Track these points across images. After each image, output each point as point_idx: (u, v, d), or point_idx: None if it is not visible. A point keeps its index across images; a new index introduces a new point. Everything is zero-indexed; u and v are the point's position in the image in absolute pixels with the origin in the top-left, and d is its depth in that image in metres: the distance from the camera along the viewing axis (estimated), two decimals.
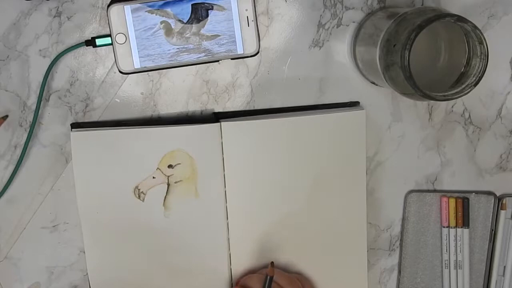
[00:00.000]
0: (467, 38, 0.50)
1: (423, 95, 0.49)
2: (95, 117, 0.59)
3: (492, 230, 0.64)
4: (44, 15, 0.57)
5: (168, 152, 0.58)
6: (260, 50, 0.57)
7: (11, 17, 0.56)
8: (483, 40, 0.49)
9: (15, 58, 0.57)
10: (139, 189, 0.59)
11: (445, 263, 0.64)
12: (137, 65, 0.56)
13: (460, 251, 0.64)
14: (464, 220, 0.63)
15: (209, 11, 0.56)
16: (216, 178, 0.59)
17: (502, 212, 0.64)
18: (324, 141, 0.60)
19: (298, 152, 0.60)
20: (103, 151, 0.58)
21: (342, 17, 0.59)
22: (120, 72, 0.57)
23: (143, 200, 0.59)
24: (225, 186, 0.59)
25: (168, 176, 0.59)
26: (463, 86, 0.50)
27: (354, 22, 0.59)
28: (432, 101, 0.60)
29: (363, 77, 0.60)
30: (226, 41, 0.56)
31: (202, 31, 0.56)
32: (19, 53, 0.57)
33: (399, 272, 0.66)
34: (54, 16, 0.57)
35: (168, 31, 0.56)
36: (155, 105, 0.59)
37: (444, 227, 0.64)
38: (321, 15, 0.59)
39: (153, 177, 0.59)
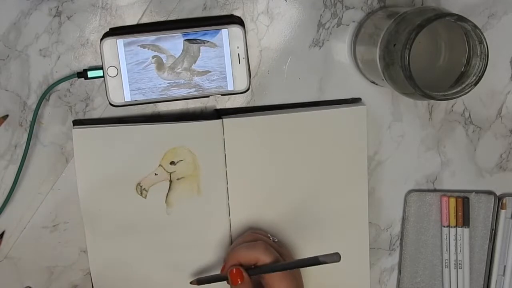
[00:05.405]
0: (467, 37, 0.50)
1: (423, 94, 0.49)
2: (95, 116, 0.59)
3: (492, 229, 0.64)
4: (44, 15, 0.57)
5: (170, 149, 0.58)
6: (250, 87, 0.58)
7: (11, 17, 0.56)
8: (483, 40, 0.49)
9: (15, 58, 0.57)
10: (141, 186, 0.59)
11: (445, 263, 0.64)
12: (128, 98, 0.57)
13: (460, 251, 0.64)
14: (464, 219, 0.63)
15: (201, 47, 0.56)
16: (218, 175, 0.59)
17: (502, 212, 0.64)
18: (325, 136, 0.60)
19: (300, 148, 0.60)
20: (105, 148, 0.58)
21: (342, 16, 0.59)
22: (111, 104, 0.57)
23: (145, 197, 0.59)
24: (227, 183, 0.59)
25: (170, 173, 0.59)
26: (463, 85, 0.50)
27: (354, 21, 0.59)
28: (432, 101, 0.60)
29: (363, 76, 0.60)
30: (217, 77, 0.57)
31: (193, 67, 0.56)
32: (19, 53, 0.57)
33: (399, 271, 0.66)
34: (54, 16, 0.57)
35: (160, 65, 0.56)
36: (155, 104, 0.59)
37: (444, 226, 0.64)
38: (321, 15, 0.59)
39: (155, 174, 0.59)
